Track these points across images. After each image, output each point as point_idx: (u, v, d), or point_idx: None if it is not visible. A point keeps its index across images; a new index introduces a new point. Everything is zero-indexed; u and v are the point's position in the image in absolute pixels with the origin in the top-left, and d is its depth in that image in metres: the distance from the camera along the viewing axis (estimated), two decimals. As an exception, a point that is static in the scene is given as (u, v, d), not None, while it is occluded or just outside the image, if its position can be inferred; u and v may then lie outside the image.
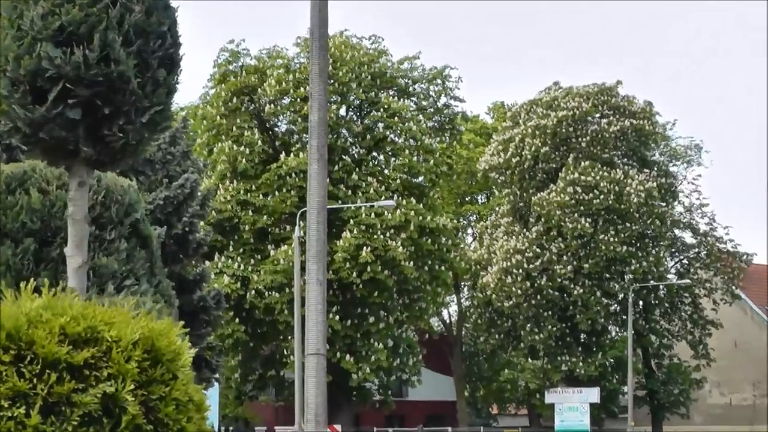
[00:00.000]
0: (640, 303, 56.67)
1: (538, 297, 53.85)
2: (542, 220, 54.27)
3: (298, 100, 46.71)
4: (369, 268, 44.08)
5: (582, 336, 55.29)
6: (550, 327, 54.00)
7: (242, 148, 46.73)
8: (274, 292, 44.64)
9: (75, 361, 5.64)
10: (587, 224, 52.96)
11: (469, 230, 68.14)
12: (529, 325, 54.75)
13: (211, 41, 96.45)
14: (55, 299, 5.86)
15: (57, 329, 5.68)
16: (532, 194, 55.45)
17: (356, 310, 46.10)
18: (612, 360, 54.30)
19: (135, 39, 8.41)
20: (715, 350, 57.42)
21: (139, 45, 8.44)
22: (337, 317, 44.66)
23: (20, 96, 8.36)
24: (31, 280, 6.24)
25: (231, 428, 54.36)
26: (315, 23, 19.18)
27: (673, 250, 58.63)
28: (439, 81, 51.04)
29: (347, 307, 45.91)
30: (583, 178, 53.37)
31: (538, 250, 53.63)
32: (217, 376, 29.12)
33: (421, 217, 46.00)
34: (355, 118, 49.61)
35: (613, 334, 57.28)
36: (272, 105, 47.49)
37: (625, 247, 53.25)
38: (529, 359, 55.56)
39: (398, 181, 46.86)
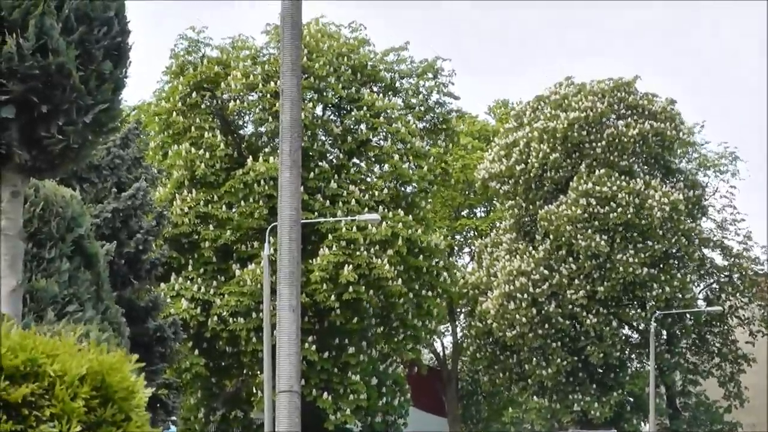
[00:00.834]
0: (664, 333, 56.80)
1: (546, 326, 53.93)
2: (550, 237, 54.37)
3: (268, 96, 46.71)
4: (351, 289, 44.10)
5: (596, 371, 55.37)
6: (559, 361, 54.06)
7: (202, 151, 46.68)
8: (239, 318, 44.58)
9: (12, 399, 5.62)
10: (602, 242, 53.08)
11: (466, 249, 68.22)
12: (535, 359, 54.82)
13: (167, 29, 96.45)
14: (-15, 328, 5.85)
15: (-11, 363, 5.68)
16: (539, 207, 55.60)
17: (334, 340, 46.07)
18: (631, 399, 54.41)
19: (76, 26, 8.40)
20: (749, 389, 57.55)
21: (82, 33, 8.43)
22: (313, 347, 44.64)
23: (-57, 92, 8.34)
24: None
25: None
26: (287, 8, 19.21)
27: (701, 272, 58.77)
28: (430, 75, 51.12)
29: (324, 337, 45.88)
30: (597, 188, 53.52)
31: (545, 271, 53.73)
32: (174, 418, 29.09)
33: (410, 230, 46.03)
34: (333, 118, 49.65)
35: (632, 369, 57.40)
36: (237, 102, 47.50)
37: (645, 269, 53.38)
38: (536, 398, 55.62)
39: (384, 190, 46.89)
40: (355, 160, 49.16)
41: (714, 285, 59.23)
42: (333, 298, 44.19)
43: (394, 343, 48.88)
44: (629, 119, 55.94)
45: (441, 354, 68.05)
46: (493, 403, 67.55)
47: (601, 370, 55.26)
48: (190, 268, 45.91)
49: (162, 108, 48.62)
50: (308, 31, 46.73)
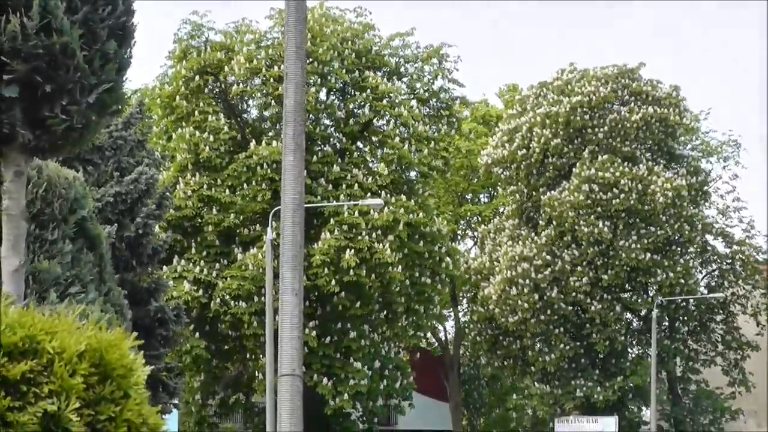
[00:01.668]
0: (666, 320, 56.79)
1: (548, 312, 53.92)
2: (553, 223, 54.32)
3: (271, 80, 46.67)
4: (352, 273, 44.07)
5: (599, 357, 55.38)
6: (562, 347, 54.07)
7: (205, 134, 46.67)
8: (241, 302, 44.60)
9: (11, 375, 5.63)
10: (605, 228, 53.03)
11: (469, 234, 68.20)
12: (537, 345, 54.82)
13: (172, 11, 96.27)
14: (-14, 306, 5.85)
15: (-11, 340, 5.67)
16: (541, 193, 55.52)
17: (335, 325, 46.10)
18: (632, 385, 54.41)
19: (80, 5, 8.37)
20: (753, 375, 57.54)
21: (86, 12, 8.40)
22: (314, 333, 44.66)
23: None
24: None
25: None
26: (292, -9, 19.17)
27: (703, 258, 58.66)
28: (435, 61, 51.05)
29: (325, 322, 45.90)
30: (600, 174, 53.44)
31: (548, 257, 53.69)
32: (176, 401, 29.12)
33: (412, 215, 45.99)
34: (337, 102, 49.60)
35: (635, 355, 57.41)
36: (241, 86, 47.48)
37: (648, 255, 53.32)
38: (538, 384, 55.60)
39: (386, 174, 46.83)
40: (358, 144, 49.15)
41: (716, 272, 59.15)
42: (334, 282, 44.19)
43: (397, 327, 48.90)
44: (632, 105, 55.78)
45: (443, 339, 68.06)
46: (495, 389, 67.57)
47: (603, 357, 55.23)
48: (192, 251, 45.93)
49: (166, 92, 48.61)
50: (312, 15, 46.68)
